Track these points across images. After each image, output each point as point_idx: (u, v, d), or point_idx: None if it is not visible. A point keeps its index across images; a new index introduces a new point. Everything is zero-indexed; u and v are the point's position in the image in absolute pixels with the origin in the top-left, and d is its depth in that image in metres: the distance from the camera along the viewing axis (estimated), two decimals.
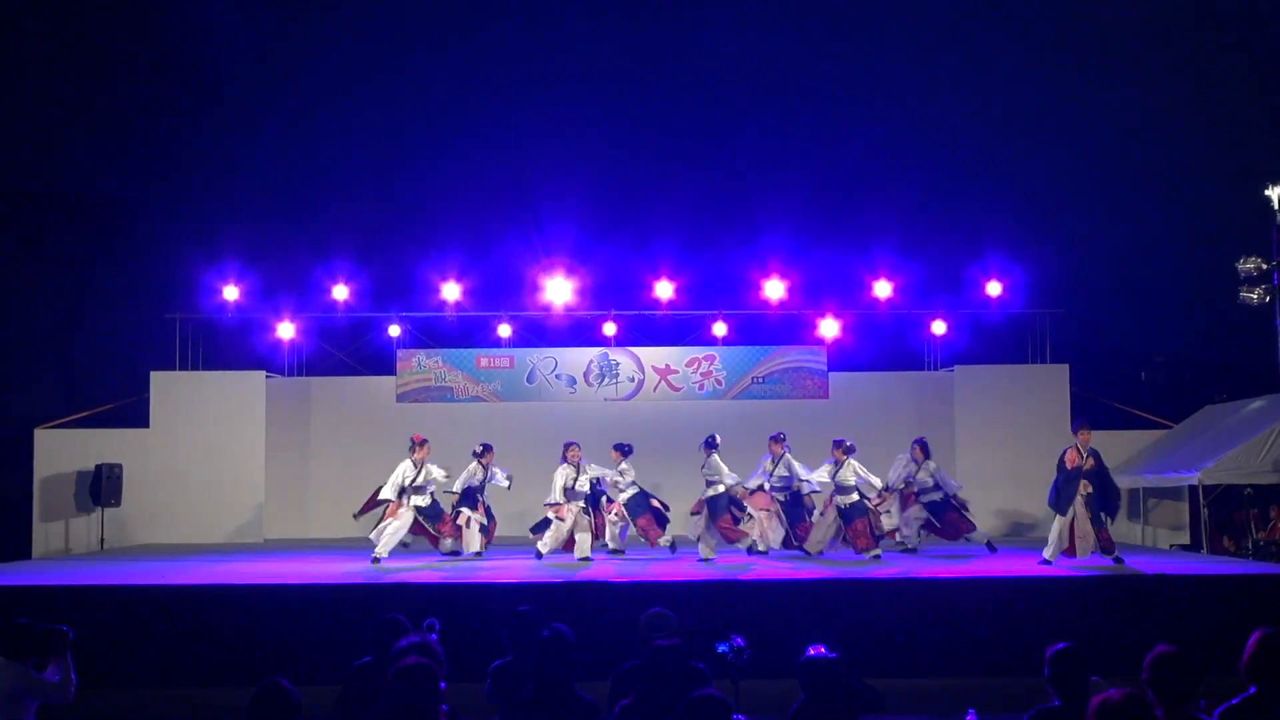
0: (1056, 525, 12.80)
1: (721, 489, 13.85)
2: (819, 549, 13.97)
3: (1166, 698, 4.49)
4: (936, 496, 14.64)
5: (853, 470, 13.90)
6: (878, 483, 14.16)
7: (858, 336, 19.77)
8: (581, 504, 14.02)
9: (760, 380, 18.91)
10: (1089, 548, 12.62)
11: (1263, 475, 14.94)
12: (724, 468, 13.93)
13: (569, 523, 13.94)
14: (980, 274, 19.22)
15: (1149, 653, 4.61)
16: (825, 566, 12.94)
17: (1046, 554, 12.81)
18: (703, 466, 14.02)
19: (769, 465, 14.48)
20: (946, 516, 14.66)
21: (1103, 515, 12.67)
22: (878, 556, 13.58)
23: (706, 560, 13.50)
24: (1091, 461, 12.69)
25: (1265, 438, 14.86)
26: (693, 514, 14.28)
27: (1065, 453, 12.82)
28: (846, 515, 13.79)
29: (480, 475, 14.45)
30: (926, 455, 14.76)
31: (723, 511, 13.81)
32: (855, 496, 13.85)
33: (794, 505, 14.33)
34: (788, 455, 14.36)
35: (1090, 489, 12.64)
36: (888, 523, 14.77)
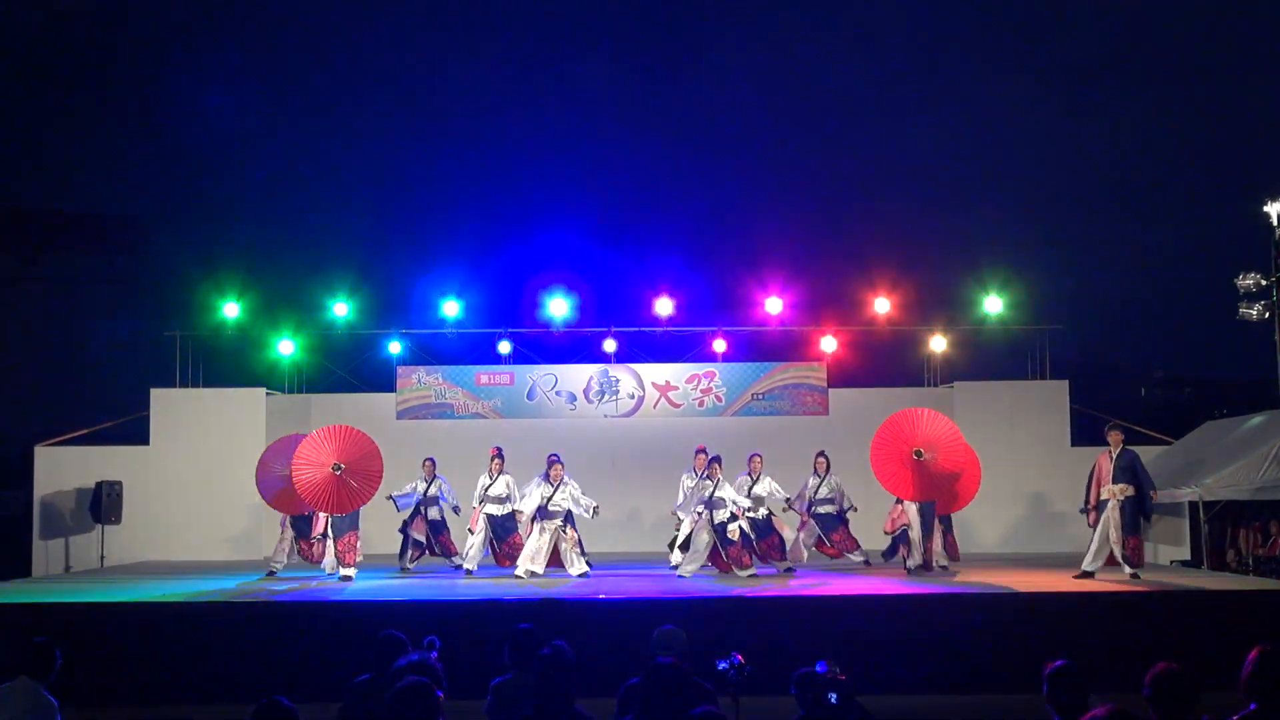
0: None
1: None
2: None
3: (1167, 715, 4.49)
4: (831, 510, 15.03)
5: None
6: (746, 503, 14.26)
7: (857, 353, 19.81)
8: (559, 522, 14.00)
9: (760, 397, 18.93)
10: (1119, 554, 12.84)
11: (1263, 491, 14.93)
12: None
13: (547, 539, 13.95)
14: (980, 290, 19.28)
15: (1149, 669, 4.61)
16: (825, 584, 12.93)
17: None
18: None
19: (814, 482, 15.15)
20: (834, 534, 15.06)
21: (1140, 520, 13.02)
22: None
23: None
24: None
25: (1265, 453, 14.84)
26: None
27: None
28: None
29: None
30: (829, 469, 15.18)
31: None
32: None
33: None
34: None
35: (1130, 492, 12.82)
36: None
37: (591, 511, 14.04)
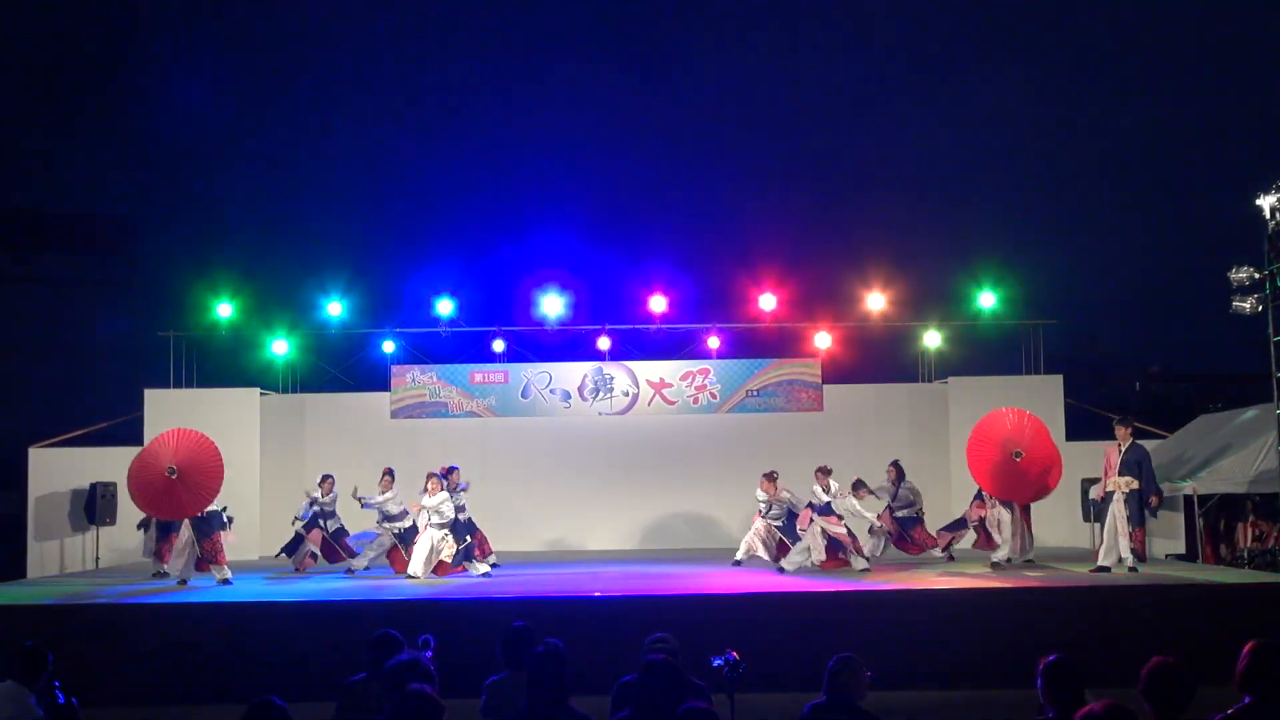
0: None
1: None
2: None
3: (1162, 709, 4.49)
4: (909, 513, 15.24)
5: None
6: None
7: (851, 349, 19.80)
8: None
9: (755, 393, 18.92)
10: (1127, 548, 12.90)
11: (1258, 484, 14.96)
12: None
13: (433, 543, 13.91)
14: (973, 286, 19.28)
15: (1145, 663, 4.61)
16: (817, 582, 12.93)
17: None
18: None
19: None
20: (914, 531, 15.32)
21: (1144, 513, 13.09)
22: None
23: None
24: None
25: (1259, 447, 14.88)
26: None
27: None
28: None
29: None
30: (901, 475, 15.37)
31: None
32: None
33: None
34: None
35: (1135, 485, 12.88)
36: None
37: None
